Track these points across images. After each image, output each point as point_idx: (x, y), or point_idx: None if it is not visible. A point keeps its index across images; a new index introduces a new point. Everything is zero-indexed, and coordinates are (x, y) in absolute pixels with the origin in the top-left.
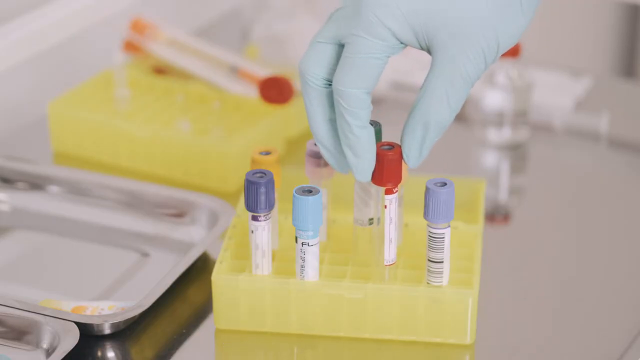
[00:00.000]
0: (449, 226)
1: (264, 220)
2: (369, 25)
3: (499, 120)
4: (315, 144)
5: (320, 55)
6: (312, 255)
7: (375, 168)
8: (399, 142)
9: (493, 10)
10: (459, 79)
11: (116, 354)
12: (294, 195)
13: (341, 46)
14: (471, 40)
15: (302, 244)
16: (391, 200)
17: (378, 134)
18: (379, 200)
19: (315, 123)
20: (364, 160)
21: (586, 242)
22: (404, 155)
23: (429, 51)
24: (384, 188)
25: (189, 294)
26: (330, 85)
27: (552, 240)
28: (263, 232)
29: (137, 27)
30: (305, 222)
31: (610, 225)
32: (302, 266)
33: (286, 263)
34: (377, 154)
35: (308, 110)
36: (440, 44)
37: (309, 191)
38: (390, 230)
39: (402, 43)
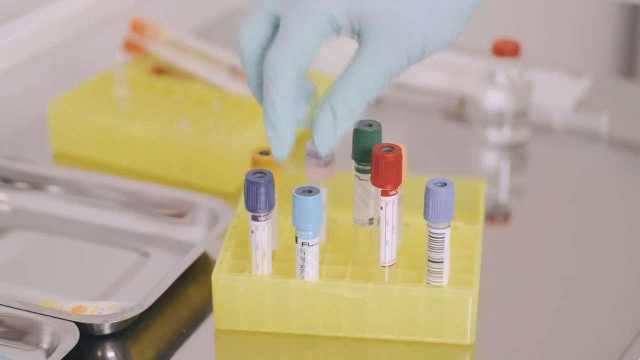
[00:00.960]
0: (449, 226)
1: (264, 220)
2: (306, 2)
3: (499, 120)
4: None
5: (257, 28)
6: (312, 255)
7: (373, 169)
8: (398, 143)
9: (424, 15)
10: (378, 71)
11: (116, 354)
12: (293, 195)
13: (278, 19)
14: (399, 37)
15: (302, 244)
16: (387, 202)
17: (378, 134)
18: (379, 200)
19: (252, 89)
20: (280, 136)
21: (586, 242)
22: (315, 141)
23: (358, 39)
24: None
25: (189, 294)
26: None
27: (552, 240)
28: (263, 232)
29: (137, 27)
30: (305, 222)
31: (610, 225)
32: (302, 266)
33: (286, 263)
34: (376, 156)
35: (246, 77)
36: (369, 34)
37: (309, 191)
38: (386, 232)
39: (335, 26)
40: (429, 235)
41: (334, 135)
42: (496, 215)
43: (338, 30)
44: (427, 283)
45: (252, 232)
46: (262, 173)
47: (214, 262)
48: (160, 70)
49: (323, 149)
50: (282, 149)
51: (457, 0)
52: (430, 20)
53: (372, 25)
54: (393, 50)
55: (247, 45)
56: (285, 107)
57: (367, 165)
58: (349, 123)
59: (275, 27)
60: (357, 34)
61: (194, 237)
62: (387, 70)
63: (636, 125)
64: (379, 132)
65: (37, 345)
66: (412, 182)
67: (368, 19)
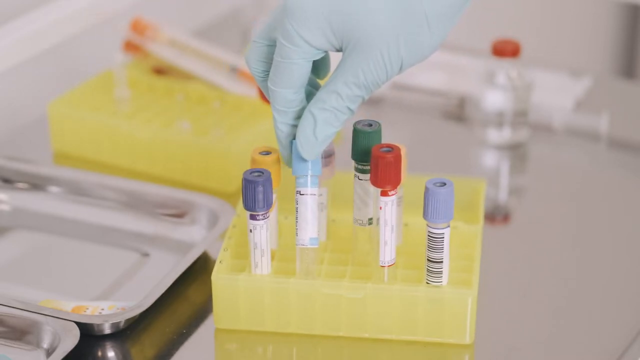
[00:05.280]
0: (448, 226)
1: (262, 219)
2: (287, 34)
3: (499, 120)
4: None
5: (259, 53)
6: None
7: (372, 169)
8: (397, 143)
9: (397, 29)
10: (352, 79)
11: (116, 354)
12: (295, 144)
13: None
14: (373, 52)
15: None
16: (386, 202)
17: (378, 134)
18: (378, 200)
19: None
20: (282, 145)
21: (586, 242)
22: (298, 144)
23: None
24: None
25: (189, 294)
26: None
27: (552, 240)
28: (261, 231)
29: (137, 27)
30: (318, 163)
31: (610, 225)
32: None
33: (286, 263)
34: (375, 156)
35: (260, 87)
36: (348, 50)
37: None
38: (386, 232)
39: (321, 50)
40: (429, 235)
41: (315, 138)
42: (496, 215)
43: (325, 51)
44: (427, 283)
45: (251, 231)
46: (260, 172)
47: (214, 262)
48: (160, 70)
49: (306, 153)
50: (284, 156)
51: (431, 6)
52: (407, 32)
53: (351, 40)
54: (367, 60)
55: (253, 66)
56: (285, 124)
57: (366, 165)
58: (330, 127)
59: (273, 50)
60: (341, 50)
61: (194, 237)
62: (362, 84)
63: (636, 125)
64: (378, 132)
65: (37, 345)
66: (412, 182)
67: (344, 40)
